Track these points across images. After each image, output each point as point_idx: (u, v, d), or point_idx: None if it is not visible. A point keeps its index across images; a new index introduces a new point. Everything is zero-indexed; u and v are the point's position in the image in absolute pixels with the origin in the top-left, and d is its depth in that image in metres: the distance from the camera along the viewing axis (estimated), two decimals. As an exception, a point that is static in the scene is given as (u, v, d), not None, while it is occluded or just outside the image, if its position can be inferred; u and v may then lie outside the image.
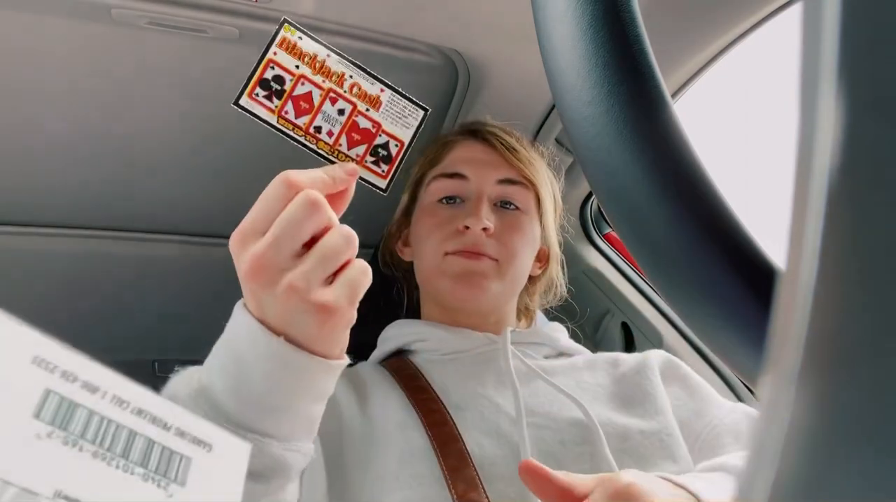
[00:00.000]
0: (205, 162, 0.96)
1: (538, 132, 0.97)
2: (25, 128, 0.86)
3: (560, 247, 0.84)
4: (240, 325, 0.41)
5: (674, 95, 0.85)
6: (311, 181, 0.42)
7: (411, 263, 0.82)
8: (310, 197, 0.40)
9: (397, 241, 0.85)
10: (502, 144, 0.77)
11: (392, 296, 0.89)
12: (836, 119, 0.11)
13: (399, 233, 0.84)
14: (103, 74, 0.81)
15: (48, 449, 0.22)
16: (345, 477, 0.58)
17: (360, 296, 0.41)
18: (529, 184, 0.76)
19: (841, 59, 0.10)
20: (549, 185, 0.80)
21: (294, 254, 0.39)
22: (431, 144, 0.83)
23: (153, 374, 1.22)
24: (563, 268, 0.86)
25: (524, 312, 0.85)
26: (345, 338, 0.43)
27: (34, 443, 0.22)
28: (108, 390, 0.25)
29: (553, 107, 0.94)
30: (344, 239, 0.40)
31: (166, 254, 1.09)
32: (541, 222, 0.78)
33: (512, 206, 0.75)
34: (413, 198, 0.82)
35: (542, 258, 0.81)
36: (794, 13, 0.71)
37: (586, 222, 1.10)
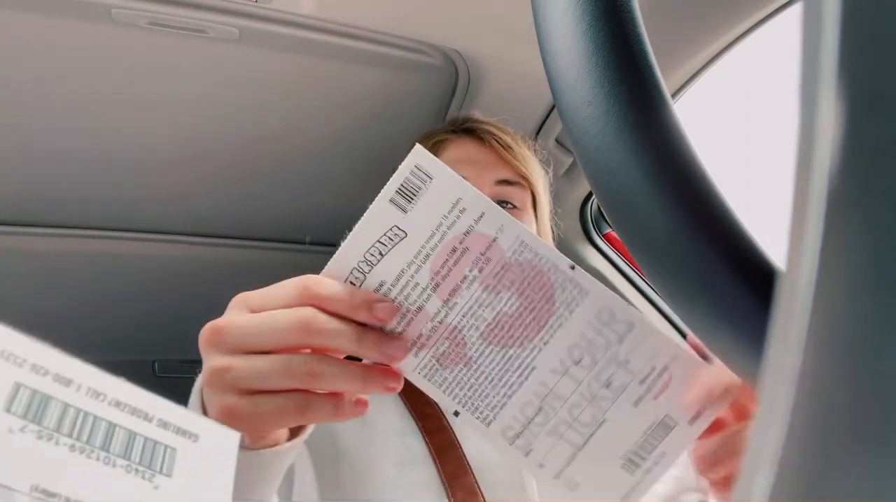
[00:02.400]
0: (205, 162, 0.96)
1: (538, 132, 0.97)
2: (24, 128, 0.86)
3: (553, 241, 0.83)
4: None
5: (674, 95, 0.85)
6: (328, 295, 0.34)
7: None
8: (304, 318, 0.33)
9: None
10: (498, 142, 0.76)
11: None
12: (836, 119, 0.11)
13: None
14: (103, 74, 0.81)
15: (22, 443, 0.22)
16: (339, 483, 0.58)
17: (267, 427, 0.35)
18: (526, 183, 0.76)
19: (841, 59, 0.10)
20: (544, 181, 0.79)
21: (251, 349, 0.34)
22: (422, 142, 0.81)
23: (153, 374, 1.22)
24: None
25: None
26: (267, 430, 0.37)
27: (7, 438, 0.21)
28: (83, 383, 0.24)
29: (553, 107, 0.93)
30: (306, 372, 0.33)
31: (167, 254, 1.09)
32: (536, 219, 0.77)
33: (510, 206, 0.75)
34: None
35: None
36: (794, 13, 0.71)
37: (586, 222, 1.10)
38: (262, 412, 0.34)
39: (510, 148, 0.76)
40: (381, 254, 0.35)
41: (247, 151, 0.96)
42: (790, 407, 0.11)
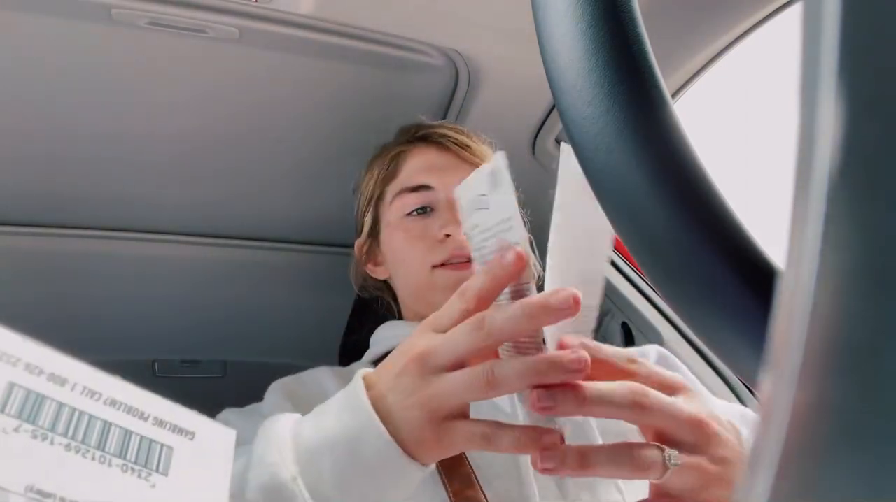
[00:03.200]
0: (205, 162, 0.96)
1: (538, 132, 0.97)
2: (24, 128, 0.86)
3: (526, 226, 0.83)
4: (368, 431, 0.41)
5: (674, 95, 0.85)
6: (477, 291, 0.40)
7: (384, 281, 0.82)
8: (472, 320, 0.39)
9: (367, 263, 0.83)
10: (456, 144, 0.77)
11: (376, 301, 0.89)
12: (836, 119, 0.11)
13: (368, 254, 0.82)
14: (103, 74, 0.81)
15: (16, 443, 0.21)
16: None
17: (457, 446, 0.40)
18: None
19: (841, 59, 0.10)
20: None
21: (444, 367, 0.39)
22: (377, 159, 0.82)
23: (153, 374, 1.22)
24: (533, 248, 0.85)
25: None
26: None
27: (1, 438, 0.21)
28: (78, 382, 0.24)
29: (553, 107, 0.93)
30: (486, 383, 0.37)
31: (167, 255, 1.09)
32: None
33: None
34: (375, 218, 0.80)
35: None
36: (794, 13, 0.71)
37: (586, 222, 1.09)
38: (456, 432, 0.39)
39: (468, 146, 0.77)
40: (476, 208, 0.40)
41: (246, 151, 0.96)
42: (790, 407, 0.11)
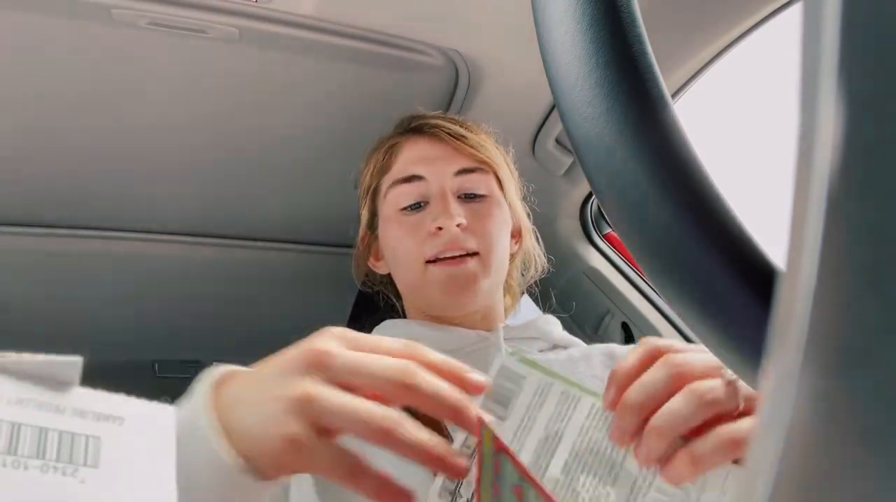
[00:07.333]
0: (204, 162, 0.96)
1: (538, 132, 0.97)
2: (23, 128, 0.86)
3: (529, 218, 0.82)
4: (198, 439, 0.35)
5: (674, 95, 0.85)
6: (429, 358, 0.36)
7: (388, 275, 0.81)
8: (410, 368, 0.34)
9: (368, 257, 0.82)
10: (449, 134, 0.74)
11: (377, 298, 0.88)
12: (836, 119, 0.11)
13: (368, 249, 0.81)
14: (103, 75, 0.81)
15: None
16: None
17: (302, 470, 0.35)
18: (487, 167, 0.74)
19: (841, 59, 0.10)
20: (504, 161, 0.78)
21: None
22: (374, 151, 0.80)
23: (153, 374, 1.22)
24: (537, 239, 0.84)
25: (508, 292, 0.82)
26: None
27: None
28: None
29: (553, 107, 0.93)
30: (391, 425, 0.32)
31: (166, 255, 1.09)
32: (506, 200, 0.76)
33: (478, 197, 0.73)
34: (373, 212, 0.78)
35: (515, 234, 0.80)
36: (794, 13, 0.71)
37: (586, 222, 1.10)
38: (318, 455, 0.33)
39: (463, 136, 0.75)
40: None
41: (247, 151, 0.96)
42: (790, 407, 0.11)
